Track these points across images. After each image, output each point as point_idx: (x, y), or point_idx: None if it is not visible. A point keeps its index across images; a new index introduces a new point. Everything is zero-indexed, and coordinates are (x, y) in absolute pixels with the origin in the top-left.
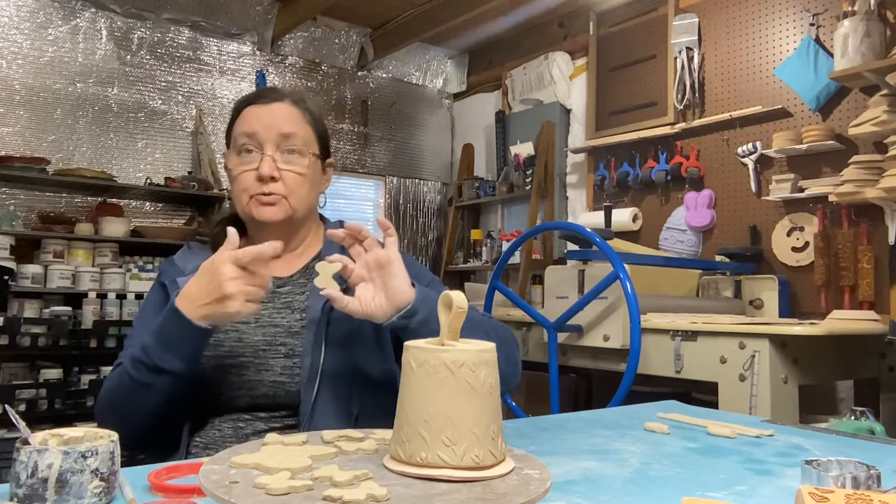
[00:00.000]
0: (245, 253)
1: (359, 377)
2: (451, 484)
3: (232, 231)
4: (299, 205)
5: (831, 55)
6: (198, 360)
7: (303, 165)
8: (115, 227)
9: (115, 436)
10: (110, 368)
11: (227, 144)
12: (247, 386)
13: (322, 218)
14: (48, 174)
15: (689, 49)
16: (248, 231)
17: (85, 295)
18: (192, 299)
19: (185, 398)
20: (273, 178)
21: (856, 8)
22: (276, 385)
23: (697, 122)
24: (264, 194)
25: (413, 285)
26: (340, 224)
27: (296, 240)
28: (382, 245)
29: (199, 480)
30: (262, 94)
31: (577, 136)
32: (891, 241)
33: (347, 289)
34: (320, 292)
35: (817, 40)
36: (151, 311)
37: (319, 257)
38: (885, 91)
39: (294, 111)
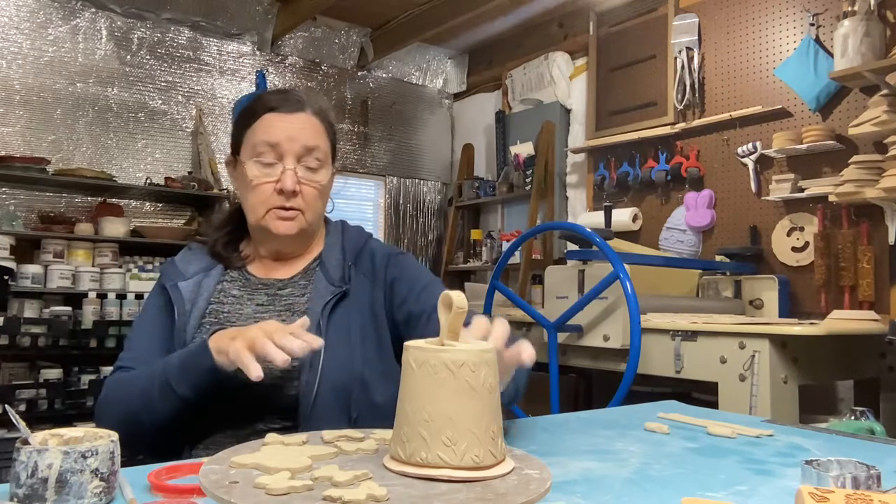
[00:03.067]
0: (288, 327)
1: (358, 381)
2: (451, 484)
3: (304, 321)
4: (314, 218)
5: (831, 55)
6: (204, 393)
7: (323, 180)
8: (115, 227)
9: (115, 436)
10: (110, 369)
11: (236, 145)
12: (244, 389)
13: (325, 219)
14: (48, 174)
15: (689, 49)
16: (254, 236)
17: (85, 295)
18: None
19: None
20: (294, 193)
21: (856, 8)
22: (274, 389)
23: (697, 122)
24: (284, 208)
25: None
26: (342, 224)
27: (302, 247)
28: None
29: (199, 480)
30: (284, 103)
31: (577, 136)
32: (891, 241)
33: (346, 295)
34: None
35: (817, 40)
36: (151, 314)
37: (320, 259)
38: (885, 91)
39: (316, 123)
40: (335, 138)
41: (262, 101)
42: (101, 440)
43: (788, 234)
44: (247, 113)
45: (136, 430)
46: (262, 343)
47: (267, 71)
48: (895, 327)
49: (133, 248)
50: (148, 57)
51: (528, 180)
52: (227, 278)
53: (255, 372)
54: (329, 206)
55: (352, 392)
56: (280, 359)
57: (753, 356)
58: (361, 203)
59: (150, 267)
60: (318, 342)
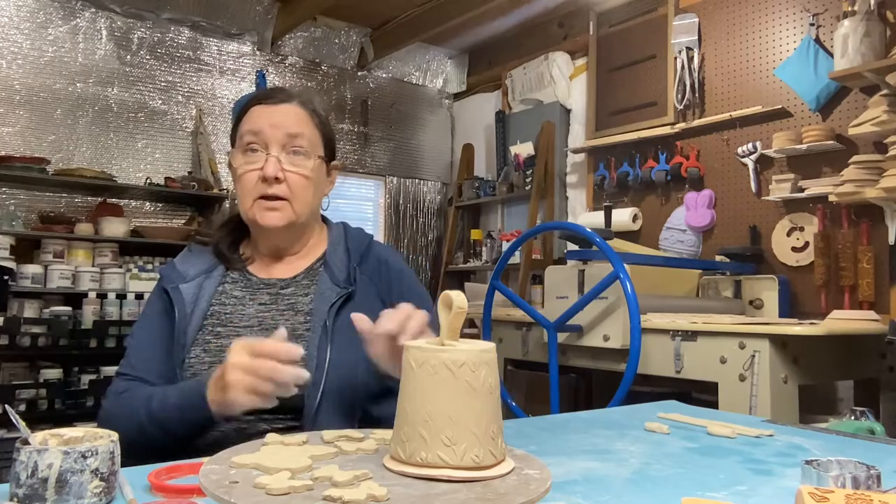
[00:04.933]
0: (262, 348)
1: (363, 382)
2: (451, 484)
3: (281, 332)
4: (303, 209)
5: (831, 55)
6: (195, 433)
7: (308, 167)
8: (115, 227)
9: (115, 436)
10: (113, 371)
11: (233, 143)
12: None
13: (325, 220)
14: (48, 174)
15: (689, 49)
16: (252, 233)
17: (85, 295)
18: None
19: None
20: (277, 179)
21: (856, 8)
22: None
23: (697, 122)
24: (268, 197)
25: None
26: (344, 226)
27: (299, 243)
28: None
29: (199, 480)
30: (271, 94)
31: (577, 136)
32: (891, 241)
33: (351, 297)
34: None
35: (817, 40)
36: (151, 318)
37: (324, 260)
38: (885, 91)
39: (302, 112)
40: (328, 131)
41: (253, 96)
42: (101, 440)
43: (788, 234)
44: (238, 112)
45: (136, 451)
46: (263, 386)
47: (267, 71)
48: (895, 327)
49: (133, 248)
50: (148, 57)
51: (528, 180)
52: (228, 280)
53: (272, 403)
54: (325, 203)
55: (356, 393)
56: (288, 391)
57: (753, 356)
58: (361, 203)
59: (150, 267)
60: (297, 351)
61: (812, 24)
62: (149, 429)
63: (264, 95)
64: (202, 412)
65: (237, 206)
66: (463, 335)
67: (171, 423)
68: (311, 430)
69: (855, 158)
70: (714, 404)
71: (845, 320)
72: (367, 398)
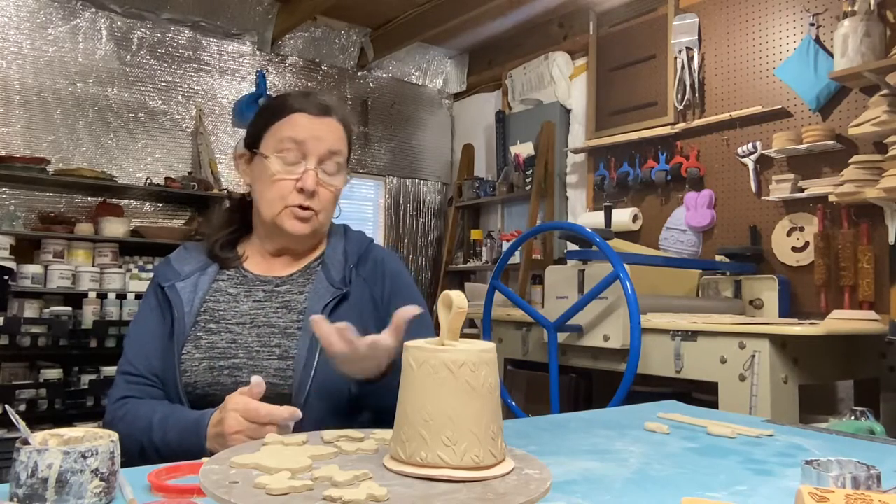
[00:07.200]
0: (256, 414)
1: (352, 384)
2: (451, 484)
3: (257, 380)
4: (326, 219)
5: (831, 55)
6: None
7: (339, 184)
8: (115, 227)
9: (115, 436)
10: (113, 371)
11: (255, 139)
12: (240, 388)
13: None
14: (48, 174)
15: (689, 49)
16: (262, 232)
17: (85, 295)
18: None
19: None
20: (313, 193)
21: (856, 8)
22: (269, 387)
23: (697, 122)
24: (302, 207)
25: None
26: (345, 227)
27: (309, 247)
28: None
29: (199, 480)
30: (312, 105)
31: (577, 136)
32: (891, 241)
33: (346, 298)
34: None
35: (817, 40)
36: (148, 314)
37: (322, 259)
38: (885, 91)
39: (341, 129)
40: (352, 145)
41: (289, 100)
42: (101, 440)
43: (788, 234)
44: (272, 109)
45: (134, 463)
46: (262, 433)
47: (267, 71)
48: (895, 327)
49: (133, 248)
50: (148, 57)
51: (528, 180)
52: (224, 277)
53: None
54: (336, 212)
55: (344, 394)
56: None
57: (753, 356)
58: (361, 203)
59: (149, 267)
60: (294, 415)
61: (812, 24)
62: (150, 455)
63: (304, 105)
64: (202, 451)
65: (232, 204)
66: (463, 335)
67: (173, 451)
68: (299, 429)
69: (855, 158)
70: (714, 404)
71: (845, 320)
72: (356, 399)
